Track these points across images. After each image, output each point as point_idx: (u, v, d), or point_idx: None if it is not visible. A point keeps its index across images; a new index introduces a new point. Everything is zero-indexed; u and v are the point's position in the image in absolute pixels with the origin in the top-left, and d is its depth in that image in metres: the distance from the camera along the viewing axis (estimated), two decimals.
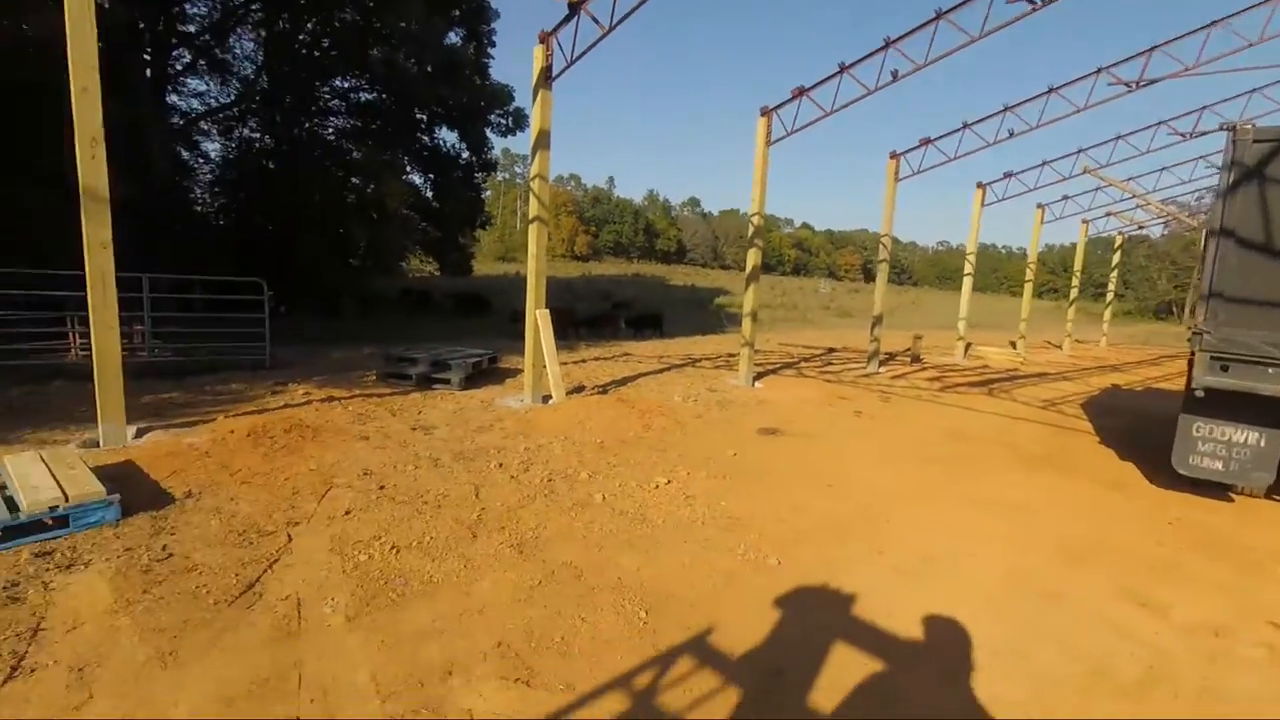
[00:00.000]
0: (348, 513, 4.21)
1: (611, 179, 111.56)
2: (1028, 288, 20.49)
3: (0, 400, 6.58)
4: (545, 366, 8.01)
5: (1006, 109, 12.37)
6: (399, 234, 29.29)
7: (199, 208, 28.17)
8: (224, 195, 28.87)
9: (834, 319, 35.38)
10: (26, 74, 11.86)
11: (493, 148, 31.93)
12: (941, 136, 13.26)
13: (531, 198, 7.64)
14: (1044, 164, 15.98)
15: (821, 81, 9.88)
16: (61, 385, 7.50)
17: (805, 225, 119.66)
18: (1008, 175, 16.41)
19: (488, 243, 68.09)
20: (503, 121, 30.66)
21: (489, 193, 46.63)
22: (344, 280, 27.52)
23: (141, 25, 22.40)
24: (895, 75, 9.41)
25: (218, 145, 29.49)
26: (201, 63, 26.68)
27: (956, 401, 10.29)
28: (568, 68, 7.26)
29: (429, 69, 25.96)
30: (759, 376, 11.01)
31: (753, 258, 10.69)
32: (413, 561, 3.61)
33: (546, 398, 8.04)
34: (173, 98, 25.93)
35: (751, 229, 10.76)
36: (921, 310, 48.56)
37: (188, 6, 24.31)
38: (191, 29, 25.23)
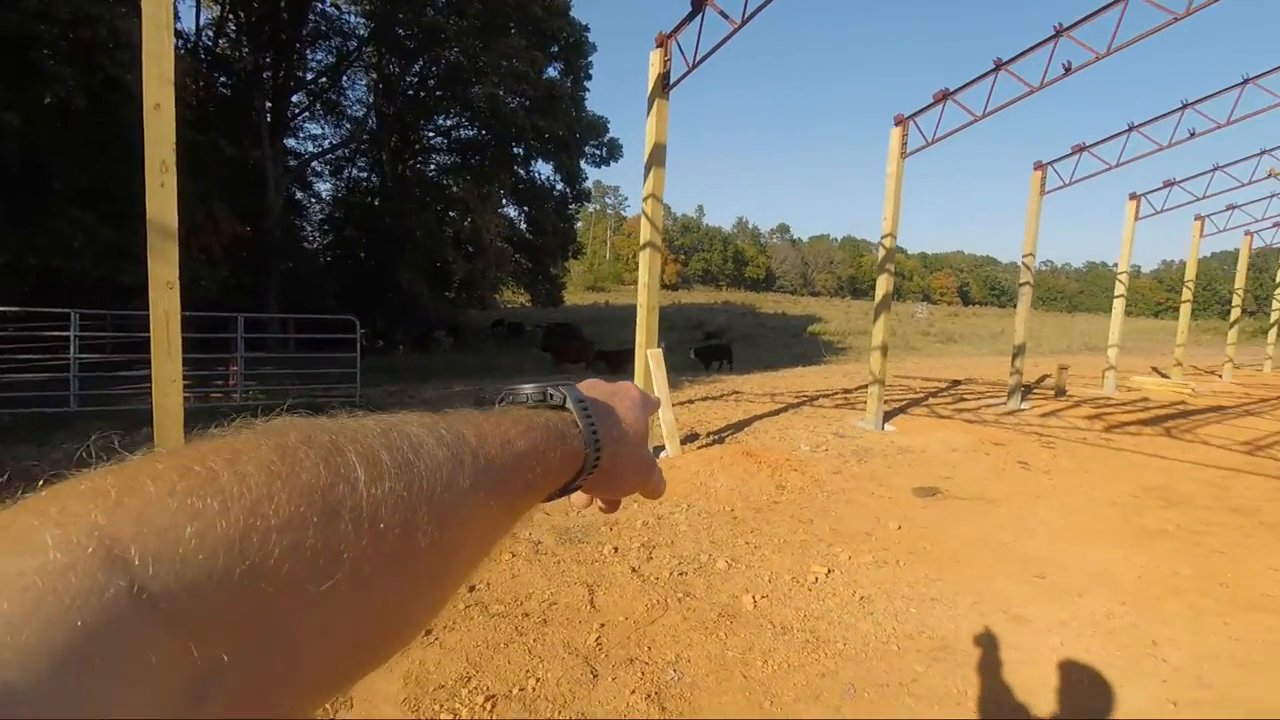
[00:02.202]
0: (428, 631, 3.25)
1: (701, 207, 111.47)
2: (1185, 309, 17.63)
3: (74, 456, 6.23)
4: (658, 414, 6.98)
5: (1185, 105, 10.45)
6: (493, 266, 29.58)
7: (307, 244, 29.58)
8: (331, 232, 30.23)
9: (937, 345, 32.61)
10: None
11: (586, 178, 31.98)
12: (1099, 142, 11.44)
13: (643, 220, 6.70)
14: (1216, 169, 13.63)
15: (970, 83, 8.49)
16: (148, 434, 7.16)
17: (899, 249, 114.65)
18: (1168, 184, 14.12)
19: (577, 272, 69.12)
20: (597, 152, 30.65)
21: (580, 223, 47.06)
22: (439, 312, 28.00)
23: (266, 74, 23.85)
24: (1068, 68, 7.91)
25: (329, 185, 31.10)
26: (317, 106, 28.23)
27: (1135, 446, 8.42)
28: (689, 72, 6.32)
29: (527, 103, 26.20)
30: (888, 416, 9.55)
31: (883, 284, 9.31)
32: None
33: (658, 449, 6.99)
34: (290, 141, 27.49)
35: (882, 252, 9.39)
36: (1037, 334, 44.38)
37: (307, 53, 25.77)
38: (309, 75, 26.71)
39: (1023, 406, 11.41)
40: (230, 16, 22.74)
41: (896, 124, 8.99)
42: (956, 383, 14.92)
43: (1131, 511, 5.69)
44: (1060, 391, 13.37)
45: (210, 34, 23.03)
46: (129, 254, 11.60)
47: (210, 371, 10.07)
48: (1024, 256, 12.27)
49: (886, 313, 9.26)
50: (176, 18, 4.66)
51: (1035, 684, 2.95)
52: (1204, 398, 13.61)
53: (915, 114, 8.93)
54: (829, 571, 4.11)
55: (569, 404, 0.52)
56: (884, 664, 3.09)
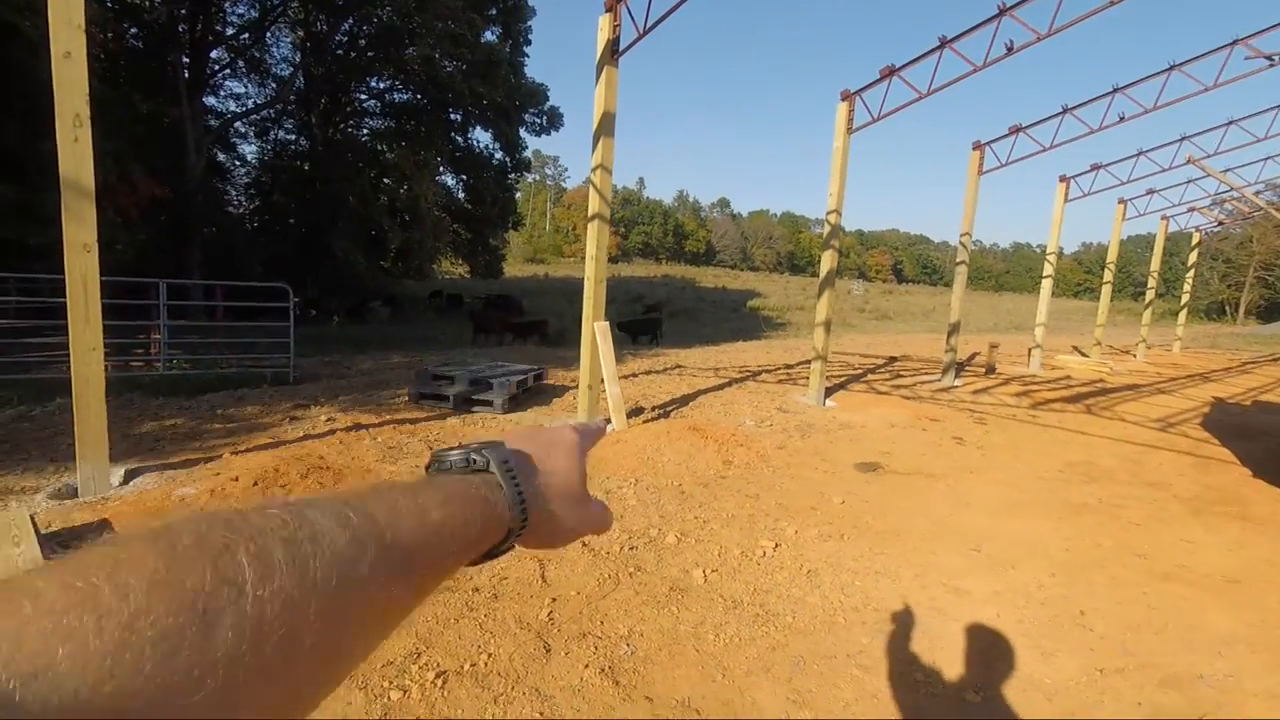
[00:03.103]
0: None
1: (641, 179, 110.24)
2: (1106, 290, 18.61)
3: None
4: (602, 386, 6.93)
5: (1116, 89, 10.94)
6: (431, 236, 28.65)
7: (232, 209, 27.83)
8: (258, 197, 28.52)
9: (872, 322, 33.67)
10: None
11: (526, 147, 31.22)
12: (1035, 124, 11.88)
13: (591, 192, 6.57)
14: (1140, 153, 14.41)
15: (915, 60, 8.64)
16: (62, 404, 6.63)
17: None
18: (1095, 167, 14.85)
19: (517, 244, 67.77)
20: (537, 120, 29.90)
21: (520, 194, 45.99)
22: (374, 282, 26.95)
23: (182, 27, 22.05)
24: (1010, 47, 8.15)
25: (254, 147, 29.23)
26: (239, 63, 26.37)
27: (1059, 423, 8.97)
28: (640, 39, 6.17)
29: (464, 67, 25.21)
30: (829, 392, 9.80)
31: (828, 260, 9.47)
32: (467, 700, 2.52)
33: (605, 422, 6.95)
34: (210, 99, 25.63)
35: (827, 228, 9.54)
36: (967, 313, 46.57)
37: (227, 6, 23.91)
38: (230, 30, 24.87)
39: (956, 383, 11.92)
40: None
41: (843, 99, 9.07)
42: (893, 359, 15.46)
43: (1058, 486, 6.05)
44: (991, 369, 14.03)
45: None
46: (34, 214, 10.71)
47: (130, 340, 9.40)
48: (961, 236, 12.68)
49: (830, 289, 9.44)
50: None
51: (975, 654, 3.10)
52: (1121, 376, 14.52)
53: (861, 89, 9.03)
54: (776, 546, 4.20)
55: (493, 467, 0.52)
56: (831, 636, 3.18)
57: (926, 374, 12.98)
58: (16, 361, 7.45)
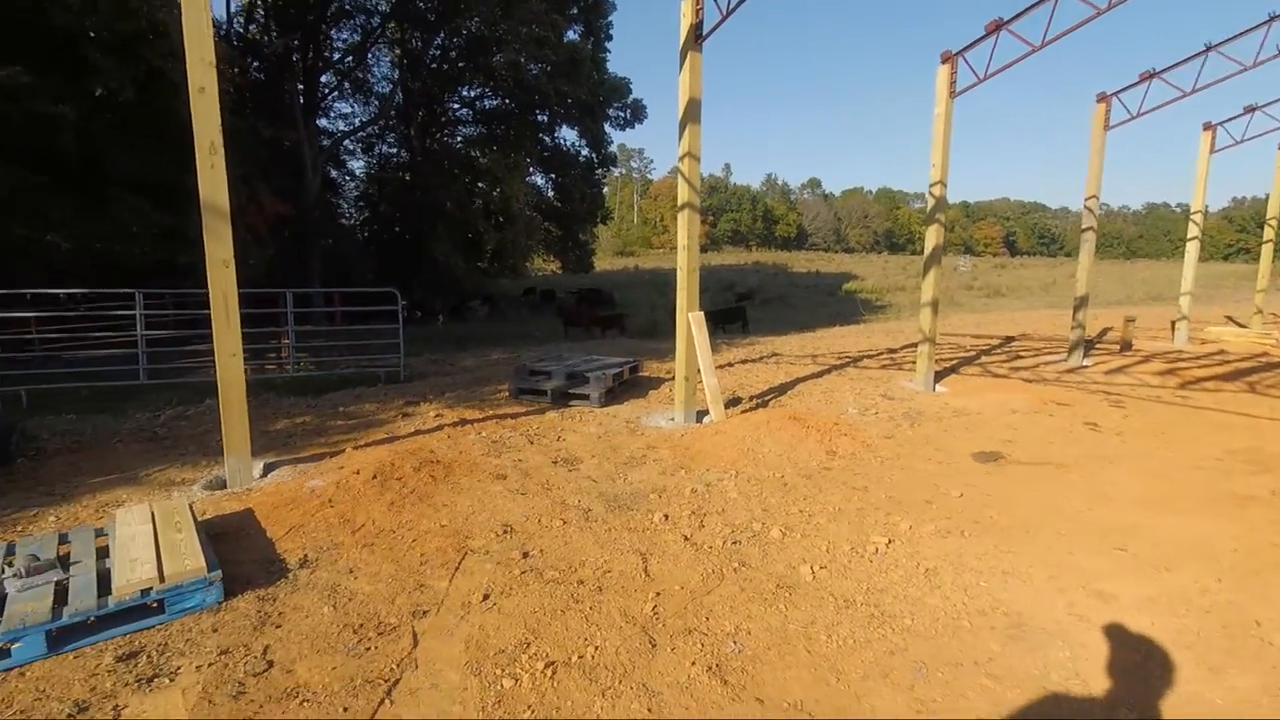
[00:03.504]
0: (486, 597, 3.25)
1: (728, 166, 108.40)
2: (1266, 250, 16.12)
3: (147, 426, 6.44)
4: (700, 378, 6.85)
5: (1274, 17, 9.48)
6: (523, 235, 29.57)
7: (345, 221, 29.97)
8: (366, 209, 30.54)
9: (983, 300, 31.31)
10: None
11: (611, 142, 31.47)
12: (1171, 67, 10.54)
13: (680, 181, 6.48)
14: None
15: (1028, 9, 7.86)
16: (212, 404, 7.36)
17: None
18: (1250, 109, 12.97)
19: (605, 238, 68.66)
20: (621, 115, 30.05)
21: (606, 188, 46.51)
22: (473, 283, 28.18)
23: (295, 57, 23.91)
24: None
25: (361, 162, 31.32)
26: (345, 85, 28.25)
27: (1215, 404, 7.94)
28: (723, 20, 6.00)
29: (549, 69, 25.73)
30: (938, 376, 9.21)
31: (932, 236, 8.87)
32: (575, 691, 2.54)
33: (702, 414, 6.88)
34: (322, 121, 27.64)
35: (931, 202, 8.93)
36: (1094, 285, 42.60)
37: (333, 33, 25.68)
38: (336, 55, 26.68)
39: (1085, 363, 10.90)
40: (258, 2, 22.77)
41: (944, 61, 8.46)
42: (1010, 339, 14.34)
43: (1218, 476, 5.35)
44: (1126, 346, 12.69)
45: (241, 20, 23.18)
46: (183, 237, 12.16)
47: (263, 345, 10.38)
48: (1086, 199, 11.52)
49: (937, 267, 8.86)
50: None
51: (1127, 667, 2.78)
52: None
53: (964, 49, 8.36)
54: (889, 542, 3.98)
55: None
56: (956, 641, 2.96)
57: (1049, 354, 11.94)
58: (174, 367, 8.37)
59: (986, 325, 17.57)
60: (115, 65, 11.80)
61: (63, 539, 3.50)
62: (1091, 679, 2.68)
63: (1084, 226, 11.64)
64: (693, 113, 6.23)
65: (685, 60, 6.18)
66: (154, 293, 9.46)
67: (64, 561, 3.19)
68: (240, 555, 3.55)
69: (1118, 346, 12.75)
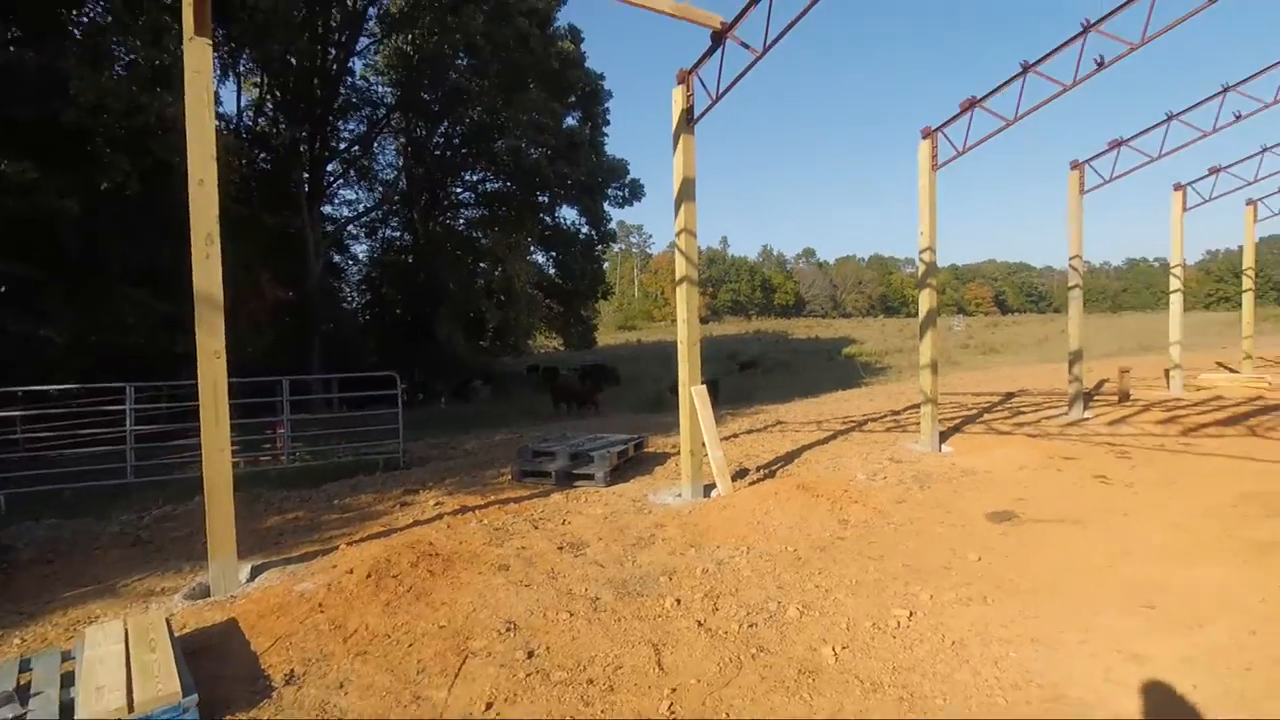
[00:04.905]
0: (489, 705, 2.98)
1: (724, 238, 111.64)
2: (1248, 298, 16.56)
3: (131, 529, 6.19)
4: (704, 451, 6.67)
5: (1227, 89, 9.93)
6: (525, 312, 29.87)
7: (347, 304, 30.35)
8: (368, 292, 31.01)
9: (979, 358, 31.33)
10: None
11: (610, 220, 32.32)
12: (1137, 135, 10.95)
13: (677, 256, 6.53)
14: (1264, 150, 12.93)
15: (998, 88, 8.19)
16: (201, 502, 7.15)
17: None
18: (1215, 170, 13.46)
19: (607, 313, 69.57)
20: (619, 193, 31.00)
21: (607, 264, 47.51)
22: (475, 362, 28.25)
23: (303, 147, 24.89)
24: (1101, 62, 7.57)
25: (364, 246, 32.06)
26: (351, 173, 29.27)
27: (1221, 450, 7.79)
28: (713, 105, 6.22)
29: (549, 152, 26.75)
30: (943, 436, 9.03)
31: (926, 300, 8.91)
32: None
33: (709, 487, 6.66)
34: (326, 208, 28.47)
35: (922, 267, 9.02)
36: (1086, 338, 42.64)
37: (340, 124, 26.84)
38: (342, 145, 27.79)
39: (1086, 415, 10.77)
40: (268, 96, 23.92)
41: (924, 136, 8.75)
42: (1010, 395, 14.22)
43: (1234, 523, 5.19)
44: (1124, 396, 12.60)
45: (250, 114, 24.25)
46: (182, 325, 12.16)
47: (258, 436, 10.19)
48: (1070, 259, 11.76)
49: (933, 328, 8.86)
50: (219, 101, 4.78)
51: None
52: None
53: (943, 125, 8.67)
54: (911, 614, 3.75)
55: None
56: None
57: (1050, 408, 11.82)
58: (163, 463, 8.16)
59: (985, 382, 17.47)
60: (122, 159, 12.08)
61: (24, 666, 3.21)
62: None
63: (1070, 284, 11.83)
64: (687, 191, 6.35)
65: (679, 143, 6.35)
66: (145, 385, 9.32)
67: (23, 693, 2.92)
68: (221, 672, 3.29)
69: (1116, 397, 12.64)
